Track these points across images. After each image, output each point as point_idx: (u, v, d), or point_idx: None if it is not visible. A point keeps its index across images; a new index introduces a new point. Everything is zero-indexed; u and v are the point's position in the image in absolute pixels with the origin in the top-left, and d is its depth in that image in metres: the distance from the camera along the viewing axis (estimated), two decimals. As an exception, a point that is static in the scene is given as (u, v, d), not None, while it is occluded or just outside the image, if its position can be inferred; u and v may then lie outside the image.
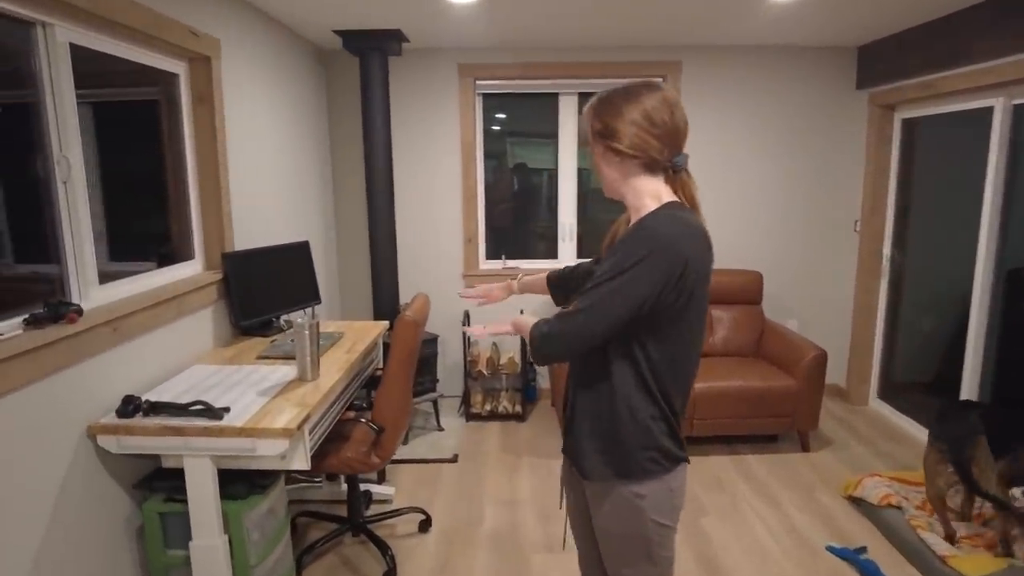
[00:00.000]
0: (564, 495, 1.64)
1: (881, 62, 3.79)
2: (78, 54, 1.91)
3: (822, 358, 3.41)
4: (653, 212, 1.30)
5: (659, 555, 1.43)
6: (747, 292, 3.97)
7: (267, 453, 1.75)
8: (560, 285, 1.73)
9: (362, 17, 3.21)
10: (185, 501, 1.78)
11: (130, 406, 1.76)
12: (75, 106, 1.86)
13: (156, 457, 1.88)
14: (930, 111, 3.61)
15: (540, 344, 1.32)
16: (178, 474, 1.78)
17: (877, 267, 4.09)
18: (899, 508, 2.72)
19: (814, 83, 4.05)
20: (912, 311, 3.90)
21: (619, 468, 1.36)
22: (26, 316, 1.63)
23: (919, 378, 3.88)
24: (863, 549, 2.58)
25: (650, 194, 1.32)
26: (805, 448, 3.53)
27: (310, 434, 1.92)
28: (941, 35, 3.26)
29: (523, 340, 3.97)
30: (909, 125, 3.86)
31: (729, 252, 4.24)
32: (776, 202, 4.20)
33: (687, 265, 1.22)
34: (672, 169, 1.32)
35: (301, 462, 1.88)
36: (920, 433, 3.65)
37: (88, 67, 1.98)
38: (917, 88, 3.49)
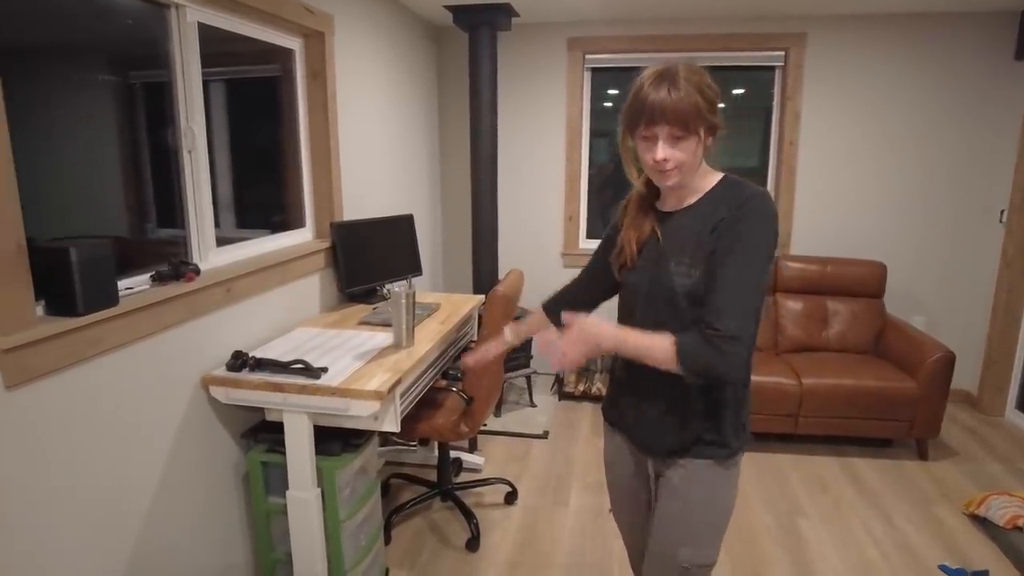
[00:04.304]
0: (616, 476, 1.63)
1: (1047, 30, 3.33)
2: (212, 35, 2.06)
3: (948, 360, 3.10)
4: (730, 180, 1.29)
5: (720, 540, 1.41)
6: (867, 284, 3.67)
7: (359, 413, 1.83)
8: (559, 309, 1.48)
9: (472, -9, 3.22)
10: (284, 453, 1.91)
11: (238, 361, 1.89)
12: (200, 80, 2.00)
13: (261, 410, 2.02)
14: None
15: (708, 366, 1.14)
16: (280, 427, 1.90)
17: (1026, 263, 3.65)
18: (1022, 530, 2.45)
19: (962, 54, 3.63)
20: (1066, 314, 3.46)
21: (721, 442, 1.33)
22: (152, 273, 1.79)
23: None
24: (984, 573, 2.34)
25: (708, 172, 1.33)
26: (923, 457, 3.24)
27: (400, 398, 1.99)
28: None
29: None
30: (1078, 103, 3.38)
31: (850, 240, 3.92)
32: (908, 187, 3.83)
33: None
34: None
35: (391, 424, 1.95)
36: (1066, 451, 3.25)
37: (221, 47, 2.13)
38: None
